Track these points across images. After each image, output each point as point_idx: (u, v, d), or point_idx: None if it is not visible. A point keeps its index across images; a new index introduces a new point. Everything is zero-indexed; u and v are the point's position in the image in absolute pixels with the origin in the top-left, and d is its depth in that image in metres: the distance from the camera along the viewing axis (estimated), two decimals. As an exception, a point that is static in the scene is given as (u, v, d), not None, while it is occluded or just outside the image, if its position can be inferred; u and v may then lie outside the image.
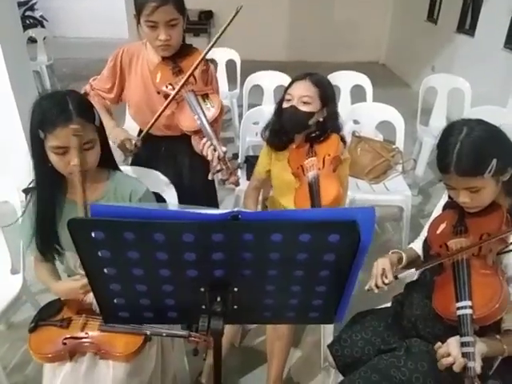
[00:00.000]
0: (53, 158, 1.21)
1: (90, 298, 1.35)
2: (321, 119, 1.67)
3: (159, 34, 1.52)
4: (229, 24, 1.43)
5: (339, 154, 1.64)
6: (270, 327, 1.67)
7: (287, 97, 1.66)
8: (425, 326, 1.30)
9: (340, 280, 0.89)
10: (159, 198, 1.61)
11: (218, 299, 0.87)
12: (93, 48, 5.67)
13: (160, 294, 0.90)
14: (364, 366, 1.29)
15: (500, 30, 4.14)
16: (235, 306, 0.91)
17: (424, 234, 1.42)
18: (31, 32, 5.42)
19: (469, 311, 1.09)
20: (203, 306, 0.90)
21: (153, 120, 1.57)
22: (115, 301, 0.92)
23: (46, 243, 1.33)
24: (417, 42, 6.29)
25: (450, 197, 1.34)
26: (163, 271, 0.85)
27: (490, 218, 1.21)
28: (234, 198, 2.54)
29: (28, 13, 8.36)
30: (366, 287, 1.33)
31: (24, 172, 1.31)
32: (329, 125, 1.68)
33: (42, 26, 8.32)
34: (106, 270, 0.85)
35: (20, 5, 7.54)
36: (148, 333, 1.26)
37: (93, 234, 0.78)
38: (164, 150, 1.81)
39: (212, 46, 1.52)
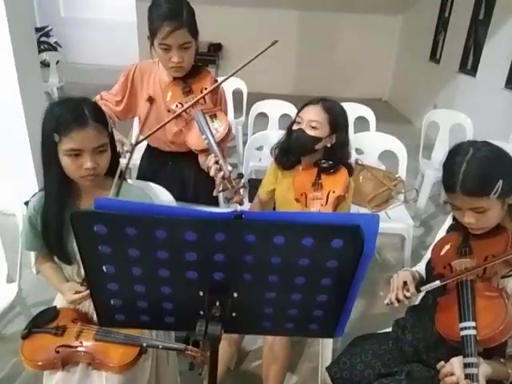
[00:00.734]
0: (65, 161, 1.21)
1: (86, 306, 1.34)
2: (329, 145, 1.68)
3: (172, 57, 1.54)
4: (259, 55, 1.47)
5: (344, 194, 1.65)
6: (266, 349, 1.62)
7: (298, 119, 1.68)
8: (427, 350, 1.27)
9: (342, 290, 0.88)
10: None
11: (217, 304, 0.86)
12: (102, 74, 5.80)
13: (158, 296, 0.89)
14: (363, 390, 1.25)
15: (501, 71, 4.23)
16: (234, 314, 0.90)
17: (427, 256, 1.41)
18: (45, 55, 5.60)
19: (473, 332, 1.07)
20: (201, 312, 0.88)
21: (154, 129, 1.59)
22: (112, 302, 0.91)
23: (50, 249, 1.34)
24: (420, 81, 6.42)
25: (454, 219, 1.33)
26: (163, 271, 0.84)
27: (495, 240, 1.20)
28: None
29: (43, 38, 8.61)
30: (386, 301, 1.29)
31: (27, 183, 1.32)
32: (338, 152, 1.69)
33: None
34: (104, 268, 0.84)
35: (37, 30, 7.82)
36: (144, 344, 1.22)
37: (95, 228, 0.78)
38: (171, 165, 1.83)
39: (233, 74, 1.57)
